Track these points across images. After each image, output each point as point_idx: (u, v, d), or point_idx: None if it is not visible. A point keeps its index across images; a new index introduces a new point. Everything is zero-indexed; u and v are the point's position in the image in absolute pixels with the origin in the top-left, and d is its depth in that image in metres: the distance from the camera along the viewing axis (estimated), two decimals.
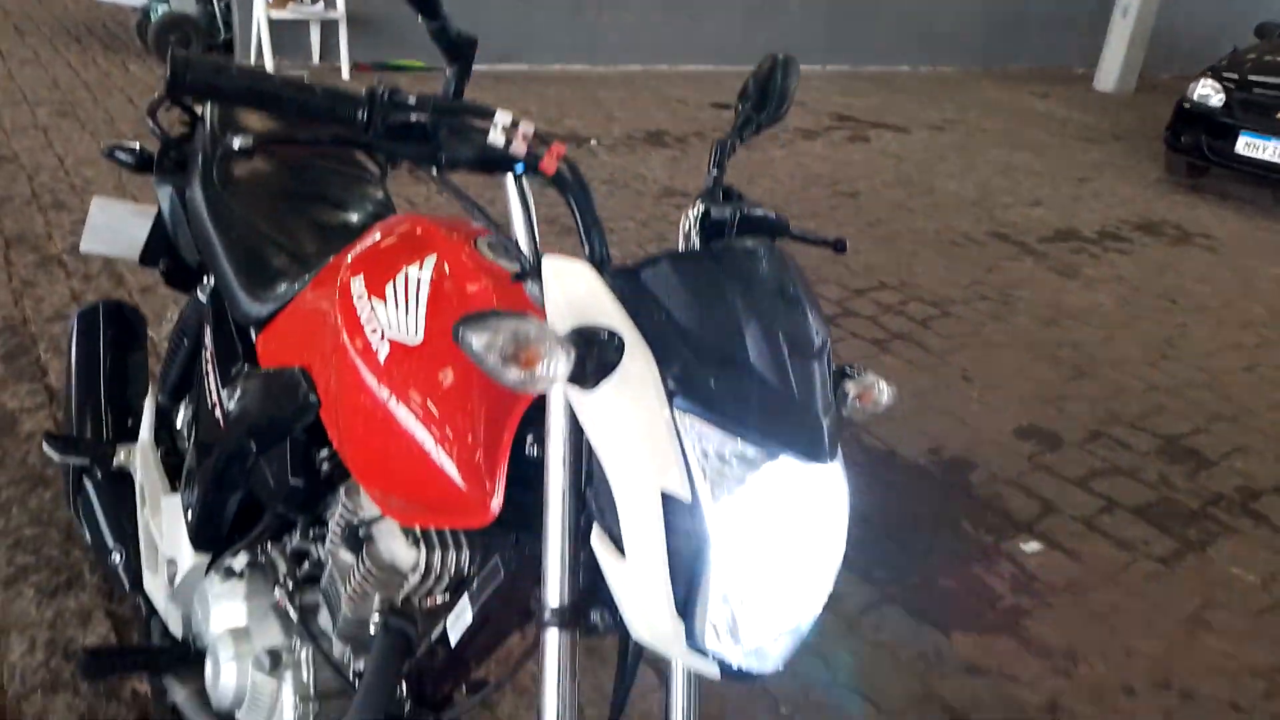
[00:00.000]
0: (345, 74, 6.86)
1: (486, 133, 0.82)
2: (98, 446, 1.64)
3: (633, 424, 0.74)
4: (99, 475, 1.63)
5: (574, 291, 0.78)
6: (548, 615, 0.82)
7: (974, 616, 2.20)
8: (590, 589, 0.84)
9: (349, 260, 1.08)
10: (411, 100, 0.82)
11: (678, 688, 0.91)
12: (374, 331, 0.98)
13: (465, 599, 1.04)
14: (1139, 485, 2.82)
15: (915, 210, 5.35)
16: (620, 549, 0.77)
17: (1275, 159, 5.95)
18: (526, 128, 0.82)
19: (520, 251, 0.86)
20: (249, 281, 1.37)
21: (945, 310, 3.99)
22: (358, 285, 1.02)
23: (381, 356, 0.96)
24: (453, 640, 1.06)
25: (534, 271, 0.85)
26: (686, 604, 0.75)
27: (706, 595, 0.74)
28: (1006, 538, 2.50)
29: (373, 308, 0.99)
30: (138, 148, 1.73)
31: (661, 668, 0.93)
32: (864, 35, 9.99)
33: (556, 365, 0.71)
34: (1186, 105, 6.37)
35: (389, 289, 0.99)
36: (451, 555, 1.08)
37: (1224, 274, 4.89)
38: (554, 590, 0.82)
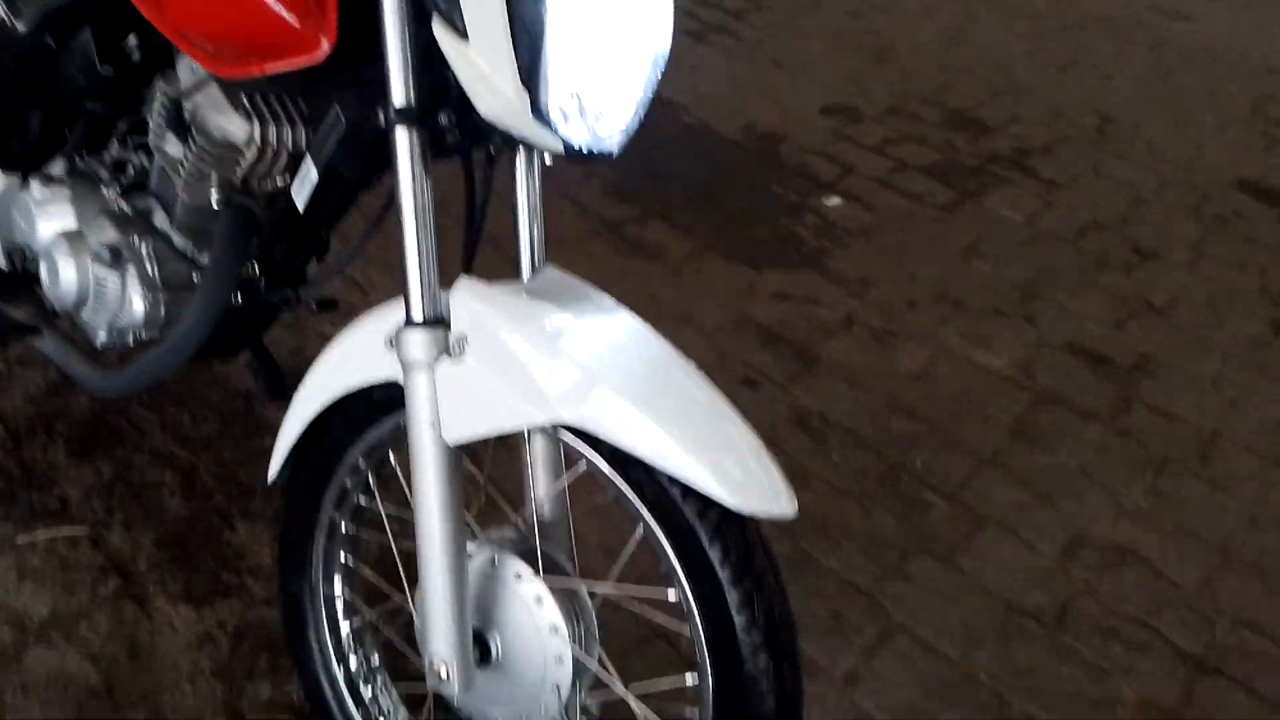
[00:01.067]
0: None
1: None
2: None
3: None
4: None
5: None
6: (394, 115, 0.87)
7: (782, 258, 2.43)
8: (435, 93, 0.89)
9: None
10: None
11: (521, 181, 0.99)
12: None
13: (308, 160, 1.06)
14: (927, 149, 3.08)
15: None
16: (462, 33, 0.81)
17: None
18: None
19: None
20: None
21: (758, 4, 4.02)
22: None
23: None
24: (300, 205, 1.09)
25: None
26: (529, 77, 0.81)
27: (547, 65, 0.81)
28: (811, 196, 2.71)
29: None
30: None
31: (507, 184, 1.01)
32: None
33: None
34: None
35: None
36: (286, 129, 1.10)
37: None
38: (399, 90, 0.86)
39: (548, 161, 0.96)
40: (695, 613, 0.88)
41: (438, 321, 0.90)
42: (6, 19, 1.20)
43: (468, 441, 0.91)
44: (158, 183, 1.20)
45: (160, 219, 1.23)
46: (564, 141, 0.85)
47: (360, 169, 1.08)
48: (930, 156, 3.03)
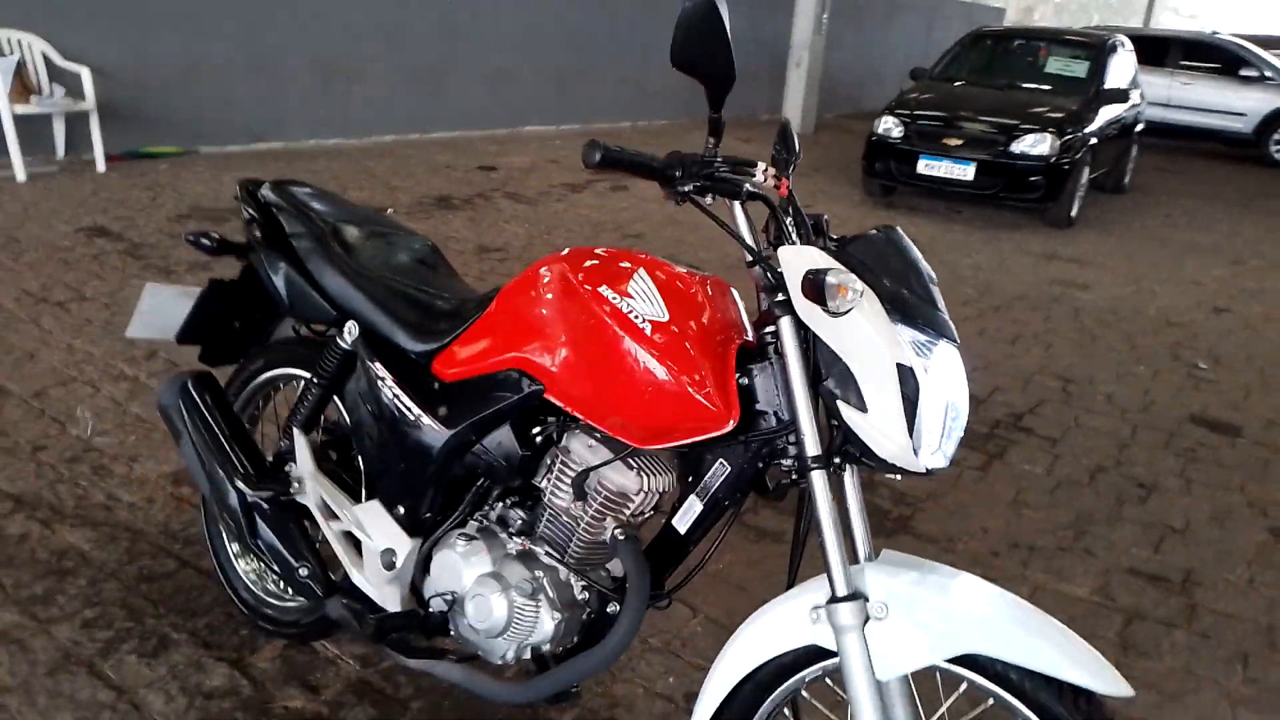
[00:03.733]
0: (100, 166, 6.60)
1: (749, 177, 1.35)
2: (276, 482, 1.87)
3: (872, 331, 1.29)
4: (268, 510, 1.86)
5: (810, 264, 1.31)
6: (810, 461, 1.33)
7: (879, 527, 2.89)
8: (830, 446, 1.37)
9: (583, 280, 1.49)
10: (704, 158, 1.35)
11: (852, 497, 1.44)
12: (633, 314, 1.44)
13: (693, 497, 1.51)
14: None
15: (687, 243, 6.18)
16: (861, 408, 1.31)
17: (946, 175, 7.46)
18: (773, 172, 1.37)
19: (750, 245, 1.38)
20: (412, 323, 1.73)
21: None
22: (607, 291, 1.47)
23: (648, 330, 1.42)
24: (681, 530, 1.53)
25: (759, 260, 1.37)
26: (910, 432, 1.30)
27: (921, 426, 1.30)
28: (876, 473, 3.23)
29: (628, 302, 1.45)
30: (217, 236, 2.00)
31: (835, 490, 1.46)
32: (588, 97, 10.96)
33: (857, 297, 1.25)
34: (874, 138, 7.77)
35: (631, 288, 1.46)
36: (663, 478, 1.55)
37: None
38: (811, 443, 1.33)
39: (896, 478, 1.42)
40: None
41: (857, 595, 1.32)
42: (433, 425, 1.65)
43: (897, 676, 1.30)
44: (548, 525, 1.61)
45: (545, 554, 1.63)
46: (926, 470, 1.33)
47: (739, 501, 1.53)
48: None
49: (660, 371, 1.42)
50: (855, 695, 1.30)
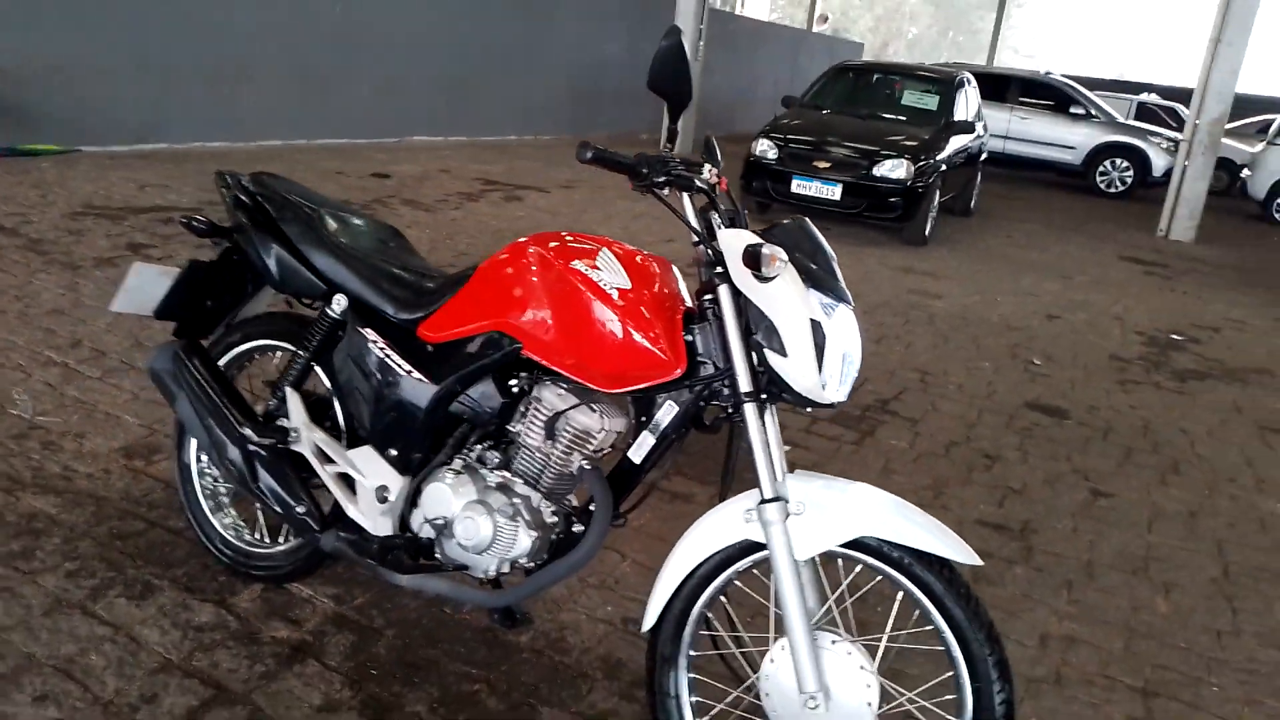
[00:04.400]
0: None
1: (698, 174, 1.72)
2: (275, 432, 2.10)
3: (792, 294, 1.67)
4: (267, 458, 2.09)
5: (746, 242, 1.69)
6: (744, 397, 1.71)
7: None
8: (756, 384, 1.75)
9: (556, 256, 1.82)
10: (663, 159, 1.71)
11: (771, 427, 1.82)
12: (602, 283, 1.78)
13: (646, 433, 1.86)
14: None
15: None
16: (782, 354, 1.69)
17: (815, 194, 8.10)
18: (715, 172, 1.74)
19: (695, 228, 1.75)
20: (397, 295, 2.02)
21: None
22: (579, 264, 1.80)
23: (614, 296, 1.77)
24: (636, 460, 1.88)
25: (704, 240, 1.74)
26: (819, 373, 1.69)
27: (825, 368, 1.69)
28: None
29: (597, 273, 1.79)
30: (206, 219, 2.23)
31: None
32: (475, 110, 11.20)
33: (783, 266, 1.63)
34: (752, 159, 8.36)
35: (599, 261, 1.81)
36: (619, 418, 1.91)
37: None
38: (745, 382, 1.71)
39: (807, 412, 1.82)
40: (949, 635, 1.66)
41: (779, 498, 1.70)
42: (421, 379, 1.95)
43: (810, 556, 1.69)
44: (523, 462, 1.93)
45: (521, 485, 1.94)
46: (829, 402, 1.73)
47: (683, 435, 1.89)
48: (826, 411, 4.12)
49: (623, 330, 1.77)
50: (779, 574, 1.68)
